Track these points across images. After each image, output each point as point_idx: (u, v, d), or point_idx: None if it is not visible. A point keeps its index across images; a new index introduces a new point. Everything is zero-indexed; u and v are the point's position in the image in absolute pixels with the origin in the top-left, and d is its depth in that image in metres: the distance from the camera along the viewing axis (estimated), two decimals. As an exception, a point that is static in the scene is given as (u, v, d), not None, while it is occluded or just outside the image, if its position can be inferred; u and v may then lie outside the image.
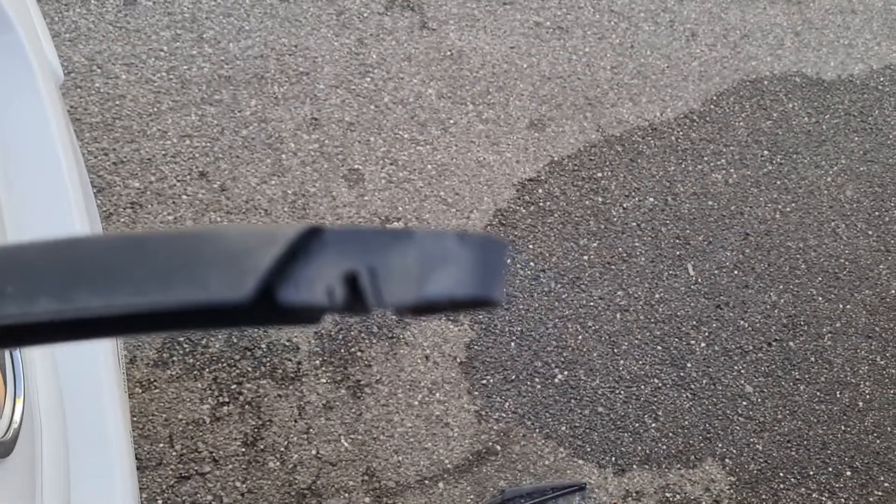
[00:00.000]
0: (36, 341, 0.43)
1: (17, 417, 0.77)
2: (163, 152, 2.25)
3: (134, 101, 2.32)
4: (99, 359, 0.99)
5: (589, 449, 1.96)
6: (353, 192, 2.25)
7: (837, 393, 2.10)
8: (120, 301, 0.38)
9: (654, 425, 2.01)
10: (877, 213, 2.36)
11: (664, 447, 1.99)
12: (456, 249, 0.39)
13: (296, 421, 1.93)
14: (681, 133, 2.44)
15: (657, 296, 2.16)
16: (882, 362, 2.15)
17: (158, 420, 1.91)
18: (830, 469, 2.02)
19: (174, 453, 1.88)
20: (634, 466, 1.96)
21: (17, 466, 0.76)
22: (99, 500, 0.87)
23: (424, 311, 0.40)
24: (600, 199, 2.29)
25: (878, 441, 2.06)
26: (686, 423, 2.02)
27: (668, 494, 1.94)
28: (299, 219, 2.16)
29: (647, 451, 1.98)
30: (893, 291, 2.24)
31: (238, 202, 2.19)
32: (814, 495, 1.99)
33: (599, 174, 2.34)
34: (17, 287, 0.38)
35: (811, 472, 2.01)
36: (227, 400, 1.93)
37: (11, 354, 0.80)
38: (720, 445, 2.00)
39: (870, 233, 2.32)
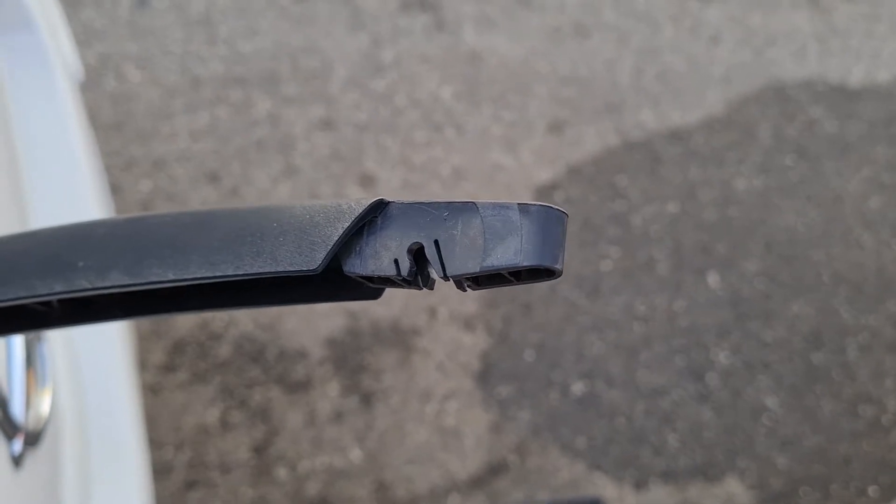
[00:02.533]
0: (104, 317, 0.45)
1: (45, 408, 0.76)
2: (174, 154, 2.21)
3: (146, 101, 2.29)
4: (117, 357, 0.99)
5: (607, 463, 1.91)
6: (366, 195, 2.20)
7: (861, 408, 2.05)
8: (189, 274, 0.39)
9: (673, 439, 1.96)
10: (902, 224, 2.30)
11: (684, 461, 1.94)
12: (517, 220, 0.39)
13: (306, 429, 1.89)
14: (702, 139, 2.39)
15: (678, 306, 2.11)
16: (907, 377, 2.10)
17: (167, 426, 1.87)
18: (854, 486, 1.97)
19: (182, 459, 1.84)
20: (653, 481, 1.91)
21: (43, 458, 0.76)
22: (117, 495, 0.86)
23: (486, 282, 0.42)
24: (620, 206, 2.25)
25: (903, 458, 2.01)
26: (707, 437, 1.97)
27: (687, 510, 1.89)
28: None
29: (667, 466, 1.93)
30: (919, 304, 2.19)
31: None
32: (836, 513, 1.94)
33: (619, 180, 2.29)
34: (89, 261, 0.39)
35: (834, 489, 1.95)
36: (236, 406, 1.90)
37: (39, 345, 0.79)
38: (741, 460, 1.95)
39: (895, 244, 2.26)
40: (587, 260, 2.15)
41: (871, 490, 1.97)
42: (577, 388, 1.98)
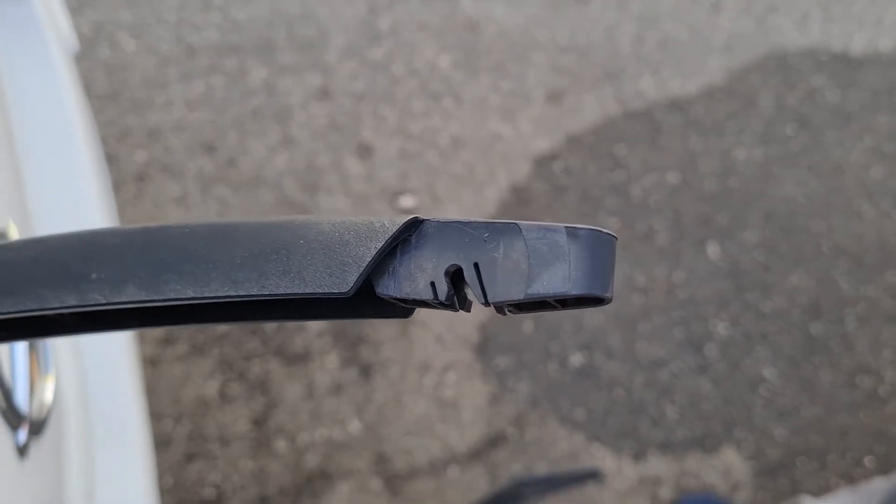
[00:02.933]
0: (117, 327, 0.43)
1: (49, 395, 0.75)
2: (169, 123, 2.18)
3: (140, 70, 2.25)
4: (118, 335, 0.98)
5: (605, 434, 1.92)
6: (364, 166, 2.19)
7: (859, 379, 2.05)
8: (211, 292, 0.37)
9: (672, 410, 1.96)
10: (903, 194, 2.30)
11: (682, 433, 1.94)
12: (564, 244, 0.37)
13: (304, 401, 1.89)
14: (703, 108, 2.37)
15: (677, 277, 2.10)
16: (905, 348, 2.10)
17: (166, 398, 1.87)
18: (850, 456, 1.98)
19: (182, 432, 1.84)
20: (652, 452, 1.92)
21: (47, 446, 0.75)
22: (121, 481, 0.85)
23: (528, 308, 0.40)
24: (619, 176, 2.23)
25: (899, 428, 2.02)
26: (705, 408, 1.97)
27: (685, 481, 1.90)
28: (308, 193, 2.11)
29: (665, 437, 1.93)
30: (918, 275, 2.19)
31: (246, 175, 2.13)
32: (833, 482, 1.96)
33: (618, 150, 2.27)
34: (102, 273, 0.37)
35: (831, 459, 1.97)
36: (235, 379, 1.89)
37: None
38: (739, 431, 1.96)
39: (895, 215, 2.26)
40: (586, 231, 2.13)
41: (867, 460, 1.98)
42: (576, 359, 1.98)
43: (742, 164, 2.29)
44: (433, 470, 1.85)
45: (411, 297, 0.39)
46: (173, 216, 2.06)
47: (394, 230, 0.38)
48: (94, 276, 0.36)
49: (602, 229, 0.37)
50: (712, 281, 2.11)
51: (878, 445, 2.00)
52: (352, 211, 2.09)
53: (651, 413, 1.96)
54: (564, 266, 0.36)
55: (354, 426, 1.87)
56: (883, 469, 1.96)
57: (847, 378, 2.05)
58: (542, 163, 2.24)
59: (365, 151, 2.22)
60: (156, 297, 0.36)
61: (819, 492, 1.91)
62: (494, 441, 1.89)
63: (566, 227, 0.37)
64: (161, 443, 1.82)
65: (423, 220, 0.39)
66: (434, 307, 0.39)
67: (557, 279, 0.36)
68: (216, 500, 1.78)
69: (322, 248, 0.38)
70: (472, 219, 0.38)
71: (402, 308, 0.42)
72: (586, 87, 2.37)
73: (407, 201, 2.13)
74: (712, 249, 2.15)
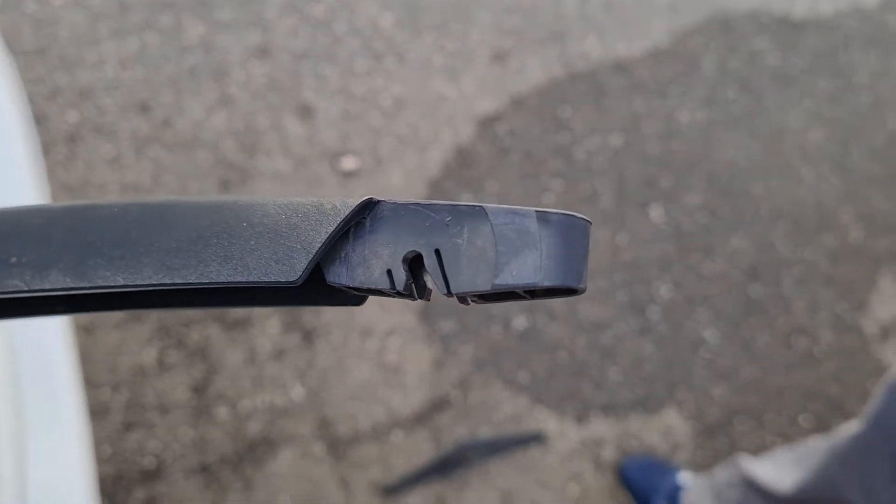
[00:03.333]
0: (43, 312, 0.40)
1: None
2: (102, 82, 2.10)
3: (70, 25, 2.16)
4: None
5: (549, 397, 1.93)
6: (305, 127, 2.14)
7: (795, 340, 2.09)
8: (143, 279, 0.34)
9: (615, 372, 1.98)
10: (840, 159, 2.33)
11: (624, 394, 1.96)
12: (535, 230, 0.34)
13: (246, 367, 1.86)
14: (647, 70, 2.36)
15: (620, 239, 2.11)
16: (840, 309, 2.14)
17: (102, 366, 1.82)
18: (786, 414, 2.02)
19: (120, 400, 1.80)
20: (595, 414, 1.93)
21: None
22: (55, 455, 0.82)
23: (493, 298, 0.37)
24: (563, 138, 2.22)
25: (833, 387, 2.07)
26: (647, 370, 1.99)
27: (627, 442, 1.92)
28: (247, 154, 2.05)
29: (608, 399, 1.95)
30: (853, 238, 2.22)
31: (182, 136, 2.07)
32: (769, 440, 2.00)
33: (563, 111, 2.26)
34: (25, 257, 0.34)
35: (768, 418, 2.01)
36: (173, 345, 1.85)
37: None
38: (680, 392, 1.99)
39: (833, 178, 2.29)
40: (529, 193, 2.13)
41: (802, 418, 2.02)
42: (519, 322, 1.98)
43: (685, 127, 2.29)
44: (377, 434, 1.84)
45: (365, 285, 0.36)
46: (107, 178, 1.99)
47: (346, 213, 0.35)
48: (13, 259, 0.33)
49: (576, 214, 0.34)
50: (655, 243, 2.12)
51: (812, 404, 2.04)
52: (292, 173, 2.05)
53: (594, 375, 1.97)
54: (535, 254, 0.33)
55: (297, 392, 1.85)
56: (818, 428, 2.01)
57: (784, 339, 2.09)
58: (486, 124, 2.21)
59: (305, 112, 2.17)
60: (83, 285, 0.33)
61: (756, 450, 1.95)
62: (438, 405, 1.88)
63: (537, 210, 0.34)
64: (98, 412, 1.78)
65: (379, 201, 0.36)
66: (390, 296, 0.37)
67: (527, 268, 0.33)
68: (156, 469, 1.75)
69: (267, 232, 0.34)
70: (433, 201, 0.35)
71: (354, 296, 0.39)
72: (531, 48, 2.35)
73: (349, 163, 2.09)
74: (655, 212, 2.16)
